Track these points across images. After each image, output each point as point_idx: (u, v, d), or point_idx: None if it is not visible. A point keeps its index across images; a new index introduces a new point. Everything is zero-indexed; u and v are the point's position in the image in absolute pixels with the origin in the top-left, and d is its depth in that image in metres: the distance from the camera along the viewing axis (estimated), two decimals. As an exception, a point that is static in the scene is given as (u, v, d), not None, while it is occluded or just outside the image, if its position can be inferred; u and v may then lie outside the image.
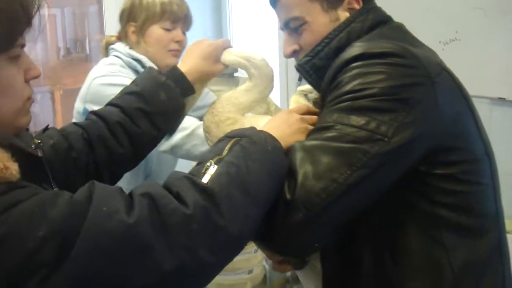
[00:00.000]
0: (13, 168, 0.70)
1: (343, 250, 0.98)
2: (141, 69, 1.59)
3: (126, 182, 1.55)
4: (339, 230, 0.92)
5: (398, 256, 0.93)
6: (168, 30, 1.62)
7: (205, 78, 1.19)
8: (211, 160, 0.82)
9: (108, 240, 0.68)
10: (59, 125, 1.06)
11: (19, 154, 0.73)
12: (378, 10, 1.05)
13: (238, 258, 0.83)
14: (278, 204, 0.84)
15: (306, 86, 1.15)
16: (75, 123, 1.10)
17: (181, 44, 1.65)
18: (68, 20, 3.41)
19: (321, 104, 0.99)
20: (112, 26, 2.82)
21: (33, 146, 0.86)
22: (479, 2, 1.73)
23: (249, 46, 3.08)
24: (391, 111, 0.86)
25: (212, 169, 0.80)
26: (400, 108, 0.86)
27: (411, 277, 0.92)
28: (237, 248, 0.81)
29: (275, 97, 2.61)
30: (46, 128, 1.07)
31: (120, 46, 1.64)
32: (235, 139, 0.87)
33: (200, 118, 1.35)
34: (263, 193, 0.81)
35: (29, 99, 0.80)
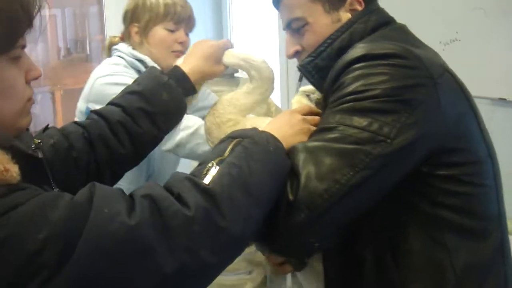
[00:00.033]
0: (14, 170, 0.69)
1: (345, 251, 0.98)
2: (144, 70, 1.59)
3: (128, 182, 1.56)
4: (341, 231, 0.92)
5: (400, 257, 0.93)
6: (171, 31, 1.62)
7: (206, 78, 1.19)
8: (213, 161, 0.82)
9: (109, 242, 0.67)
10: (59, 125, 1.05)
11: (20, 156, 0.73)
12: (381, 11, 1.05)
13: (238, 258, 0.83)
14: (281, 204, 0.84)
15: (309, 87, 1.15)
16: (75, 122, 1.10)
17: (184, 45, 1.65)
18: (68, 20, 3.41)
19: (323, 104, 0.99)
20: (112, 27, 2.82)
21: (33, 146, 0.86)
22: (479, 3, 1.73)
23: (249, 46, 3.08)
24: (394, 112, 0.86)
25: (213, 170, 0.80)
26: (402, 109, 0.86)
27: (413, 278, 0.92)
28: (239, 249, 0.81)
29: (276, 97, 2.60)
30: (46, 128, 1.06)
31: (123, 47, 1.65)
32: (237, 139, 0.87)
33: (202, 119, 1.35)
34: (265, 193, 0.81)
35: (30, 100, 0.80)
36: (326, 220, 0.84)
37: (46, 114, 3.37)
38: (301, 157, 0.86)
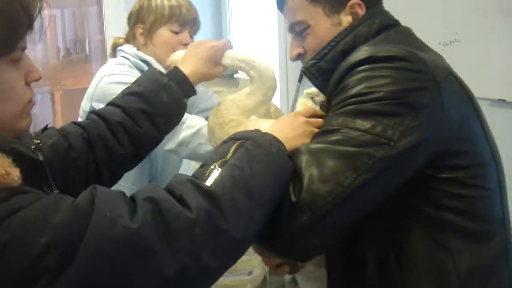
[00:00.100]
0: (15, 174, 0.69)
1: (348, 253, 0.98)
2: None
3: (131, 182, 1.56)
4: (344, 233, 0.91)
5: (403, 260, 0.92)
6: (176, 33, 1.62)
7: (205, 80, 1.19)
8: (215, 163, 0.81)
9: (111, 245, 0.67)
10: (58, 126, 1.05)
11: (20, 158, 0.73)
12: (385, 14, 1.05)
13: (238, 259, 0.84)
14: (283, 206, 0.84)
15: (313, 89, 1.15)
16: (74, 123, 1.10)
17: None
18: (68, 20, 3.40)
19: (327, 107, 0.98)
20: (111, 27, 2.82)
21: (32, 147, 0.85)
22: (479, 3, 1.72)
23: (249, 47, 3.07)
24: (397, 115, 0.85)
25: (216, 172, 0.79)
26: (406, 112, 0.85)
27: (416, 281, 0.92)
28: (241, 251, 0.80)
29: (275, 98, 2.60)
30: (46, 128, 1.06)
31: (128, 48, 1.65)
32: (240, 141, 0.86)
33: (206, 120, 1.35)
34: (267, 195, 0.81)
35: (30, 102, 0.79)
36: (328, 222, 0.84)
37: (46, 114, 3.36)
38: (303, 159, 0.85)
